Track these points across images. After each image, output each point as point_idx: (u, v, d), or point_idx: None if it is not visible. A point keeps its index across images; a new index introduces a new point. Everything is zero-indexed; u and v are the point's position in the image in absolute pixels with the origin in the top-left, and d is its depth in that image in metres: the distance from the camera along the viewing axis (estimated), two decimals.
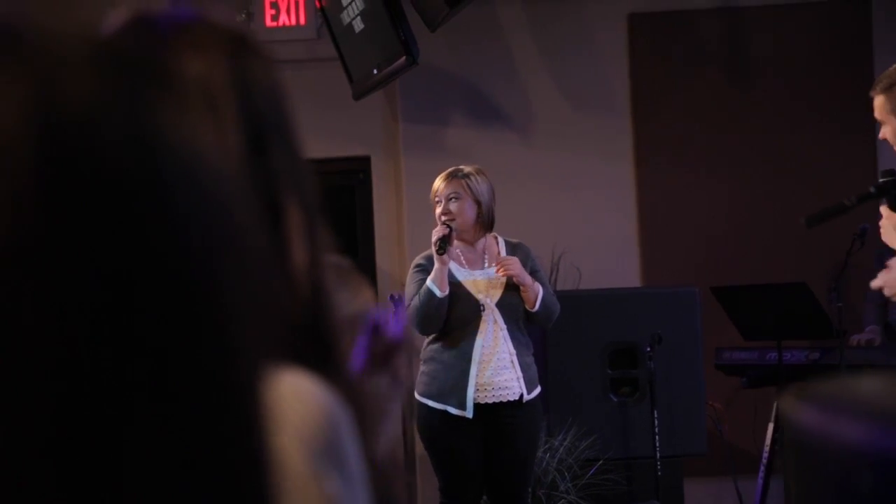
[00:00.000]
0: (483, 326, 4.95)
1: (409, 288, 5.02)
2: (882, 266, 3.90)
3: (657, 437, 5.79)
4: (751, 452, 6.51)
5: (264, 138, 1.03)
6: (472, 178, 5.03)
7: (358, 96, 6.40)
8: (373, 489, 1.03)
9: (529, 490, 5.18)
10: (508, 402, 4.95)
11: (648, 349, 5.83)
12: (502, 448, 4.97)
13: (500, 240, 5.13)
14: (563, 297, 5.34)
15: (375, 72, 5.95)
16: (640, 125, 7.23)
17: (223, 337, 0.53)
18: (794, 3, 7.21)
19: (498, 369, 4.95)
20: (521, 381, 4.97)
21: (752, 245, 7.12)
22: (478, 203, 5.02)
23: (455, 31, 6.65)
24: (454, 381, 4.92)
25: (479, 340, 4.94)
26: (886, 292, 3.92)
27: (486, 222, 5.06)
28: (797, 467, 1.01)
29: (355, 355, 1.45)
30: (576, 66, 7.21)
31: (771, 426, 6.06)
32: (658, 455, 5.78)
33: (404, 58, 5.59)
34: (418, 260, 5.08)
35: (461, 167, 5.10)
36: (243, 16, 7.14)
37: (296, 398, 0.91)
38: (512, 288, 4.99)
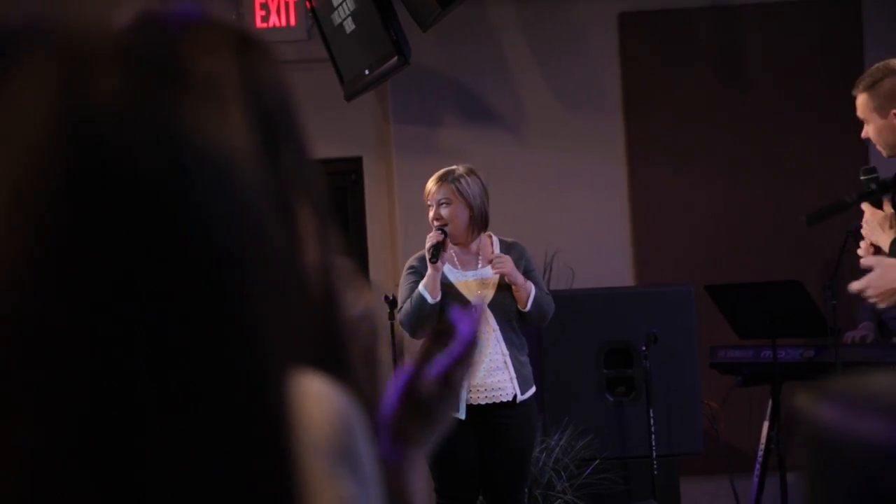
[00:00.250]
0: None
1: (402, 291, 5.01)
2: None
3: (653, 436, 5.79)
4: (746, 451, 6.51)
5: (274, 138, 1.02)
6: (464, 180, 5.01)
7: (349, 97, 6.39)
8: (386, 492, 1.02)
9: (526, 490, 5.17)
10: (502, 402, 4.95)
11: (644, 348, 5.83)
12: (497, 448, 4.96)
13: (495, 239, 5.12)
14: (558, 296, 5.32)
15: (367, 72, 5.94)
16: (633, 124, 7.23)
17: (251, 338, 0.52)
18: (785, 1, 7.21)
19: (490, 370, 4.94)
20: (515, 381, 4.96)
21: (746, 243, 7.12)
22: (469, 207, 5.00)
23: (446, 31, 6.64)
24: None
25: None
26: (870, 292, 3.89)
27: (478, 224, 5.04)
28: (815, 466, 1.00)
29: (407, 363, 1.44)
30: (567, 65, 7.21)
31: (766, 424, 6.06)
32: (654, 454, 5.78)
33: (396, 58, 5.58)
34: (411, 262, 5.07)
35: (453, 168, 5.07)
36: (234, 17, 7.13)
37: (309, 399, 0.91)
38: (504, 288, 4.98)
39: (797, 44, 7.19)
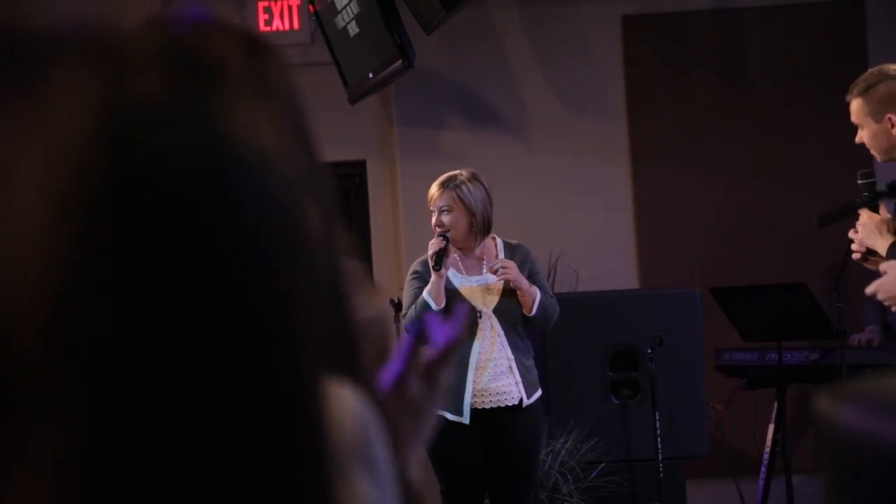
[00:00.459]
0: (480, 332, 4.93)
1: (406, 296, 5.00)
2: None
3: (659, 438, 5.78)
4: (752, 453, 6.50)
5: (297, 139, 1.02)
6: (465, 187, 4.98)
7: (353, 100, 6.38)
8: (401, 496, 1.02)
9: (533, 495, 5.16)
10: (507, 406, 4.94)
11: (649, 351, 5.82)
12: (503, 453, 4.95)
13: (500, 241, 5.11)
14: (563, 299, 5.32)
15: (371, 76, 5.93)
16: (636, 127, 7.23)
17: (288, 340, 0.53)
18: (788, 4, 7.21)
19: (495, 375, 4.93)
20: (521, 385, 4.95)
21: (751, 246, 7.11)
22: (471, 213, 4.98)
23: (449, 33, 6.64)
24: (450, 387, 4.89)
25: (476, 346, 4.92)
26: (880, 296, 3.91)
27: (481, 229, 5.02)
28: (836, 469, 0.99)
29: (393, 362, 1.44)
30: (571, 68, 7.21)
31: (771, 427, 6.06)
32: (660, 457, 5.77)
33: (400, 61, 5.57)
34: (415, 266, 5.06)
35: (456, 174, 5.04)
36: (237, 21, 7.12)
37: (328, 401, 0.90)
38: (509, 293, 4.97)
39: (801, 46, 7.18)
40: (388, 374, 1.37)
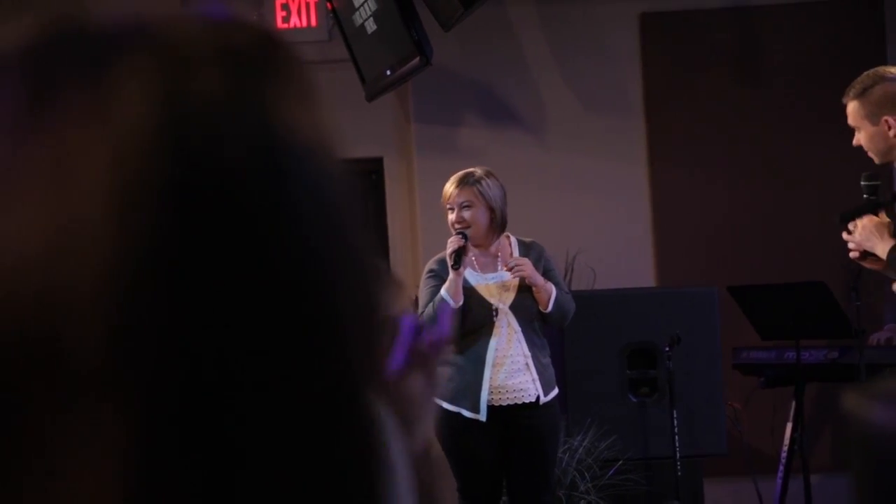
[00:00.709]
0: (497, 329, 4.93)
1: (423, 294, 5.00)
2: None
3: (676, 437, 5.77)
4: (770, 452, 6.48)
5: None
6: (484, 182, 5.00)
7: (371, 97, 6.38)
8: (415, 487, 1.03)
9: (552, 493, 5.15)
10: (524, 404, 4.94)
11: (667, 349, 5.81)
12: (521, 450, 4.95)
13: (513, 239, 5.11)
14: (581, 297, 5.32)
15: (388, 73, 5.93)
16: (654, 125, 7.22)
17: (337, 334, 0.53)
18: (805, 1, 7.18)
19: (512, 372, 4.93)
20: (538, 382, 4.95)
21: (769, 244, 7.09)
22: (490, 209, 4.99)
23: (467, 31, 6.63)
24: (468, 384, 4.91)
25: (493, 343, 4.92)
26: (852, 255, 4.01)
27: (498, 226, 5.04)
28: (866, 467, 0.98)
29: (394, 356, 1.45)
30: (588, 66, 7.20)
31: (790, 426, 6.04)
32: (678, 455, 5.76)
33: (418, 58, 5.56)
34: (431, 265, 5.07)
35: (472, 171, 5.06)
36: (254, 18, 7.12)
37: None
38: (525, 290, 4.97)
39: (818, 45, 7.16)
40: (390, 363, 1.38)
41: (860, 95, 4.22)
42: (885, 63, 6.84)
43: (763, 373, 6.21)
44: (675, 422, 5.78)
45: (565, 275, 6.75)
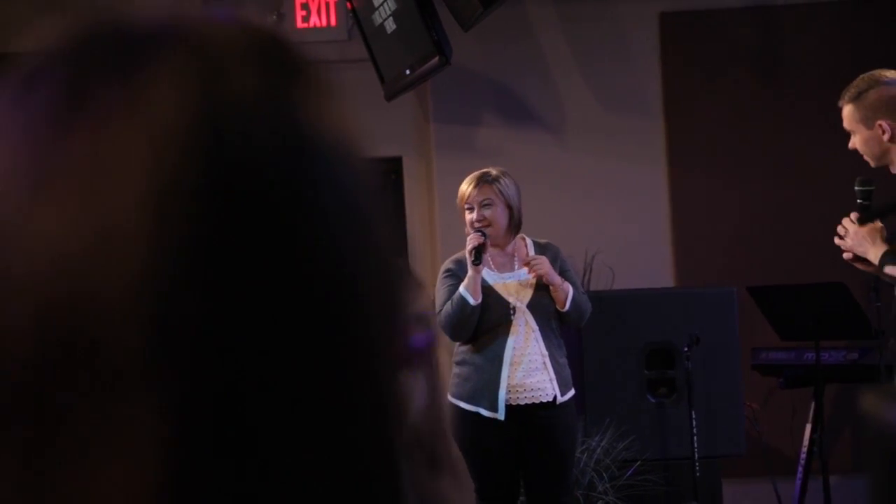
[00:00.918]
0: (514, 328, 4.94)
1: (440, 294, 5.01)
2: None
3: (695, 437, 5.76)
4: (789, 453, 6.47)
5: None
6: (502, 181, 5.03)
7: (390, 97, 6.39)
8: (418, 447, 1.04)
9: (570, 493, 5.14)
10: (542, 403, 4.93)
11: (686, 349, 5.80)
12: (538, 450, 4.95)
13: (529, 241, 5.12)
14: (599, 297, 5.32)
15: (408, 72, 5.94)
16: (673, 124, 7.20)
17: (362, 329, 0.54)
18: (827, 1, 7.16)
19: (529, 371, 4.93)
20: (555, 382, 4.94)
21: (788, 245, 7.07)
22: (509, 207, 5.01)
23: (486, 30, 6.63)
24: (485, 383, 4.91)
25: (511, 342, 4.92)
26: (845, 256, 4.02)
27: (516, 225, 5.06)
28: (884, 466, 0.98)
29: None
30: (607, 65, 7.19)
31: (809, 427, 6.02)
32: (696, 456, 5.75)
33: (437, 58, 5.57)
34: (447, 265, 5.08)
35: (489, 170, 5.08)
36: (274, 17, 7.15)
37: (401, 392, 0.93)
38: (542, 289, 4.98)
39: (839, 44, 7.14)
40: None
41: (855, 99, 4.25)
42: None
43: (782, 373, 6.20)
44: (694, 422, 5.77)
45: (584, 274, 6.75)
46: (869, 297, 5.71)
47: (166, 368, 0.50)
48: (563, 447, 4.99)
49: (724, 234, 7.09)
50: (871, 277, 5.77)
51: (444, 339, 5.36)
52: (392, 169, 7.33)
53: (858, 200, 4.30)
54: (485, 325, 4.93)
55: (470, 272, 4.90)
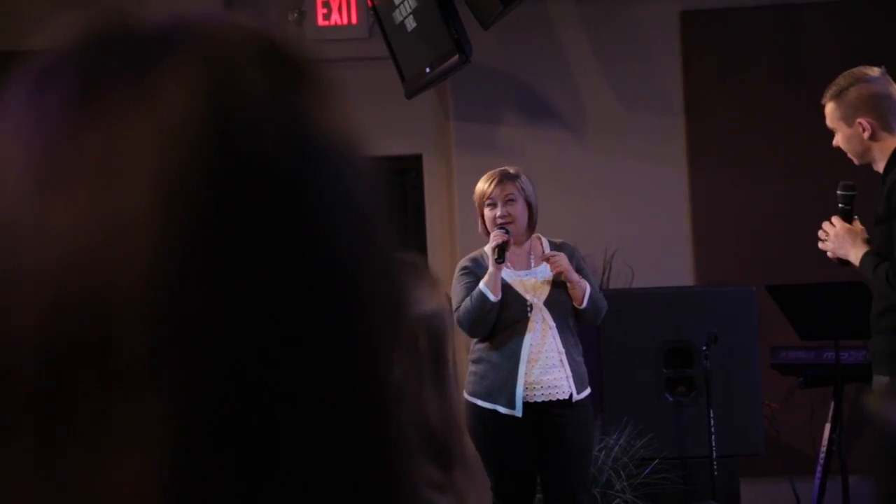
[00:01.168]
0: (531, 325, 4.95)
1: (457, 291, 5.02)
2: None
3: (713, 436, 5.75)
4: (807, 452, 6.45)
5: None
6: (521, 179, 5.07)
7: (410, 95, 6.40)
8: (434, 448, 1.04)
9: (587, 491, 5.14)
10: (558, 400, 4.94)
11: (704, 348, 5.79)
12: (554, 447, 4.95)
13: (544, 240, 5.14)
14: (617, 295, 5.31)
15: (428, 70, 5.95)
16: (693, 123, 7.19)
17: (367, 337, 0.55)
18: None
19: (546, 368, 4.94)
20: (571, 380, 4.95)
21: (808, 244, 7.03)
22: (529, 205, 5.04)
23: (506, 29, 6.63)
24: (503, 381, 4.92)
25: (528, 339, 4.93)
26: (829, 255, 4.24)
27: (533, 224, 5.09)
28: (888, 466, 0.98)
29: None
30: (628, 64, 7.18)
31: (828, 426, 6.00)
32: (714, 454, 5.74)
33: (457, 56, 5.58)
34: (464, 262, 5.10)
35: (506, 169, 5.10)
36: (295, 15, 7.17)
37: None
38: (559, 286, 4.99)
39: (861, 43, 7.10)
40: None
41: (836, 97, 4.27)
42: None
43: (802, 373, 6.18)
44: (712, 421, 5.76)
45: (603, 273, 6.75)
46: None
47: (174, 366, 0.50)
48: (579, 445, 4.99)
49: (743, 233, 7.07)
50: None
51: (461, 337, 5.37)
52: (412, 166, 7.34)
53: (840, 205, 4.34)
54: (502, 322, 4.94)
55: (491, 269, 4.91)
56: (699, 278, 7.09)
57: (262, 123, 0.53)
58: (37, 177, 0.52)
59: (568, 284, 4.96)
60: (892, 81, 4.41)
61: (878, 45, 7.11)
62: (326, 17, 7.20)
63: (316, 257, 0.53)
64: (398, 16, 6.13)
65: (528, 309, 4.96)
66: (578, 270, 5.05)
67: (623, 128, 7.15)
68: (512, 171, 5.10)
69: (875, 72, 4.34)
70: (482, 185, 5.08)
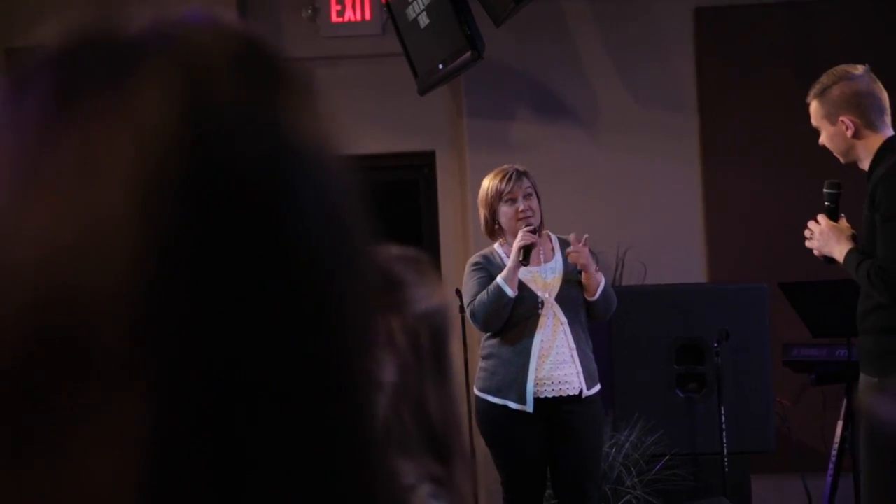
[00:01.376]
0: (542, 321, 4.95)
1: (469, 287, 5.03)
2: None
3: (724, 433, 5.75)
4: (819, 450, 6.44)
5: None
6: (531, 175, 5.09)
7: (423, 91, 6.41)
8: (434, 442, 1.04)
9: (597, 487, 5.15)
10: (568, 396, 4.94)
11: (716, 345, 5.79)
12: (565, 443, 4.96)
13: (554, 237, 5.15)
14: (631, 292, 5.32)
15: (441, 67, 5.96)
16: (707, 121, 7.18)
17: (340, 333, 0.55)
18: None
19: (557, 363, 4.94)
20: (581, 375, 4.95)
21: None
22: (539, 200, 5.07)
23: (519, 25, 6.64)
24: (513, 376, 4.93)
25: (539, 335, 4.94)
26: (815, 252, 4.25)
27: (543, 218, 5.10)
28: (880, 461, 1.00)
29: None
30: (642, 61, 7.17)
31: (840, 424, 5.99)
32: (725, 451, 5.74)
33: (470, 53, 5.59)
34: (475, 259, 5.11)
35: (514, 166, 5.12)
36: (309, 12, 7.18)
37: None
38: (570, 282, 5.00)
39: (875, 40, 7.09)
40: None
41: (819, 95, 4.28)
42: None
43: (813, 370, 6.17)
44: (723, 418, 5.76)
45: (615, 269, 6.75)
46: None
47: (150, 363, 0.51)
48: (589, 441, 5.00)
49: (756, 231, 7.06)
50: None
51: (473, 334, 5.38)
52: (425, 163, 7.35)
53: (826, 202, 4.34)
54: (513, 318, 4.95)
55: (510, 264, 4.92)
56: (711, 275, 7.09)
57: (237, 126, 0.54)
58: (15, 177, 0.53)
59: (584, 275, 4.97)
60: (876, 79, 4.41)
61: (892, 43, 7.09)
62: (340, 13, 7.21)
63: (291, 258, 0.54)
64: (411, 12, 6.14)
65: (540, 305, 4.97)
66: None
67: (636, 125, 7.15)
68: (521, 168, 5.12)
69: (858, 70, 4.34)
70: (495, 183, 5.08)
